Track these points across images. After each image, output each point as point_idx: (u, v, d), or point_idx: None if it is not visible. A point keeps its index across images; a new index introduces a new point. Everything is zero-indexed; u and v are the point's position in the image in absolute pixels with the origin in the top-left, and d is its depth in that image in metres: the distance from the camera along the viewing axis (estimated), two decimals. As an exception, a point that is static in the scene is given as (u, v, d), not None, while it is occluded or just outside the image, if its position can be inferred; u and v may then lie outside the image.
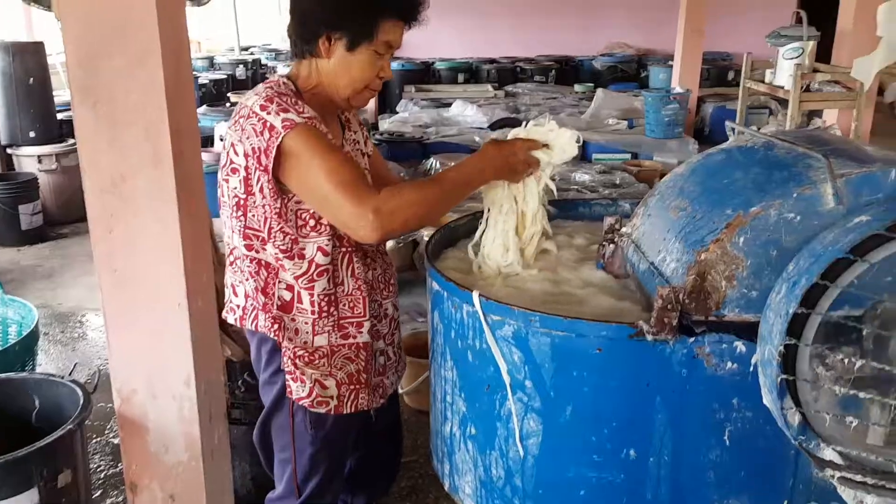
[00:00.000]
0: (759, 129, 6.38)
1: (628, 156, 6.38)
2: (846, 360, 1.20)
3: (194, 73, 8.74)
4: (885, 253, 1.13)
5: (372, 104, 8.26)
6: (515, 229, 1.69)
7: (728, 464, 1.38)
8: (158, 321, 1.92)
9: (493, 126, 6.97)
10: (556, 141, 1.66)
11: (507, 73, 10.01)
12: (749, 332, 1.31)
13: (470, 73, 10.06)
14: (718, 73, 9.42)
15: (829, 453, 1.26)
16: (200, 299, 1.97)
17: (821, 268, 1.13)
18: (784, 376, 1.17)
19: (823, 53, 5.66)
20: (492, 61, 10.43)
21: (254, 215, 1.54)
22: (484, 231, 1.73)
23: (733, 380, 1.34)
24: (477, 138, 6.44)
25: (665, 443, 1.38)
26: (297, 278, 1.55)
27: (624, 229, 1.71)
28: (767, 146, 1.53)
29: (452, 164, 6.07)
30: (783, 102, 7.54)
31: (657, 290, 1.31)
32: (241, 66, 9.76)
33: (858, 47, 4.89)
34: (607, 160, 6.28)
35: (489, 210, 1.73)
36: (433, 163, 5.83)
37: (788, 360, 1.19)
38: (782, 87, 5.10)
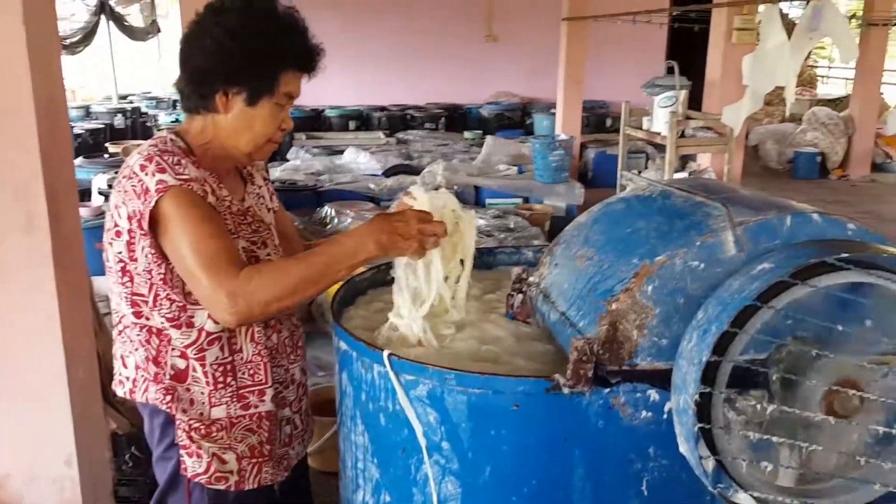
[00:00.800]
0: (639, 173, 6.71)
1: (520, 200, 6.54)
2: (756, 405, 1.22)
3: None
4: (789, 298, 1.17)
5: (261, 152, 8.07)
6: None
7: (648, 514, 1.37)
8: (35, 396, 1.77)
9: (388, 173, 6.98)
10: (464, 227, 1.58)
11: (397, 121, 10.11)
12: (662, 380, 1.32)
13: (361, 120, 10.09)
14: (597, 120, 9.89)
15: (743, 498, 1.27)
16: (81, 370, 1.82)
17: (730, 315, 1.15)
18: (701, 425, 1.18)
19: (695, 101, 6.04)
20: (382, 109, 10.52)
21: (139, 281, 1.43)
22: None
23: (648, 428, 1.34)
24: (372, 185, 6.42)
25: (585, 497, 1.36)
26: (186, 348, 1.45)
27: (531, 278, 1.71)
28: (664, 194, 1.58)
29: (349, 210, 6.00)
30: (659, 147, 7.98)
31: (571, 343, 1.30)
32: (120, 114, 9.38)
33: (726, 95, 5.26)
34: (500, 205, 6.40)
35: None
36: (328, 211, 5.75)
37: (703, 408, 1.20)
38: (659, 133, 5.39)
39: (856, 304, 1.22)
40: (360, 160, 7.38)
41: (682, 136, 5.33)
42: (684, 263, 1.31)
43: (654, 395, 1.33)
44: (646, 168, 7.27)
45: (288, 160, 8.08)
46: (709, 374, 1.18)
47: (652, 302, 1.31)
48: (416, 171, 6.87)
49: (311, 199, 6.13)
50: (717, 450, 1.23)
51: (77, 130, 8.06)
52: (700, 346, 1.18)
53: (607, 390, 1.32)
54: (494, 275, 2.03)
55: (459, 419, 1.36)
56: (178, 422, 1.47)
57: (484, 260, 2.10)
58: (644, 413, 1.34)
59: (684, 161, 6.94)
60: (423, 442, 1.40)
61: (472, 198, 6.54)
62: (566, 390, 1.31)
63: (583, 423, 1.33)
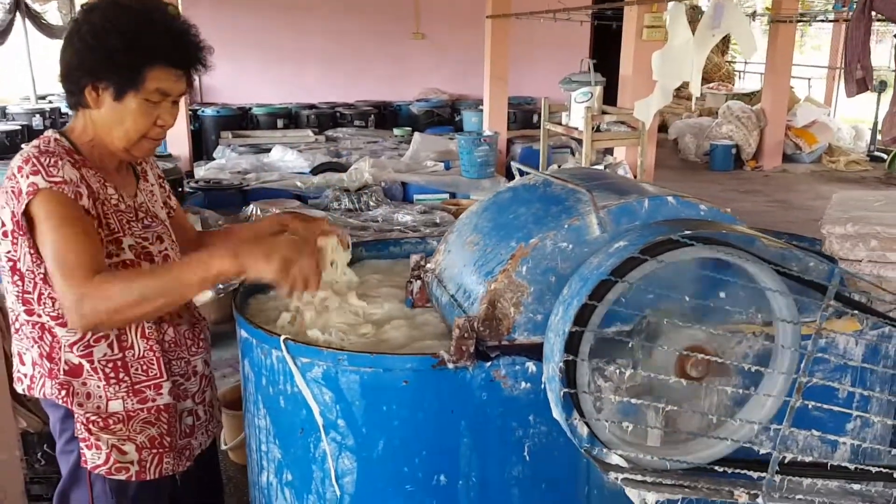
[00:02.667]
0: (559, 166, 6.92)
1: (447, 195, 6.66)
2: (618, 371, 1.34)
3: (-19, 123, 7.99)
4: (641, 273, 1.29)
5: (186, 151, 7.99)
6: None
7: (529, 477, 1.48)
8: (-65, 397, 1.76)
9: (315, 171, 6.99)
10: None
11: (326, 118, 10.10)
12: (538, 352, 1.43)
13: (289, 118, 10.03)
14: (524, 116, 10.08)
15: (613, 458, 1.40)
16: (-16, 369, 1.82)
17: (588, 290, 1.27)
18: (566, 390, 1.29)
19: (611, 96, 6.26)
20: (311, 106, 10.48)
21: (27, 280, 1.47)
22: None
23: (528, 398, 1.45)
24: (299, 183, 6.43)
25: (472, 465, 1.46)
26: (71, 346, 1.49)
27: (429, 265, 1.80)
28: (546, 184, 1.70)
29: (274, 209, 5.98)
30: (580, 142, 8.24)
31: (455, 321, 1.40)
32: (38, 115, 9.08)
33: (638, 91, 5.47)
34: (427, 200, 6.51)
35: None
36: (253, 209, 5.74)
37: (570, 375, 1.31)
38: (576, 129, 5.58)
39: (718, 280, 1.36)
40: (287, 158, 7.37)
41: (598, 130, 5.53)
42: (554, 245, 1.43)
43: (531, 367, 1.44)
44: (566, 162, 7.48)
45: (214, 159, 7.99)
46: (573, 344, 1.30)
47: (527, 281, 1.42)
48: (343, 168, 6.91)
49: (236, 197, 6.10)
50: (584, 414, 1.34)
51: (-8, 132, 7.79)
52: (563, 318, 1.29)
53: (488, 364, 1.42)
54: (400, 265, 2.12)
55: (353, 397, 1.45)
56: (76, 415, 1.51)
57: (391, 251, 2.19)
58: (523, 384, 1.45)
59: (604, 155, 7.18)
60: (320, 421, 1.48)
61: (400, 193, 6.63)
62: (451, 365, 1.41)
63: (467, 395, 1.43)
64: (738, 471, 1.40)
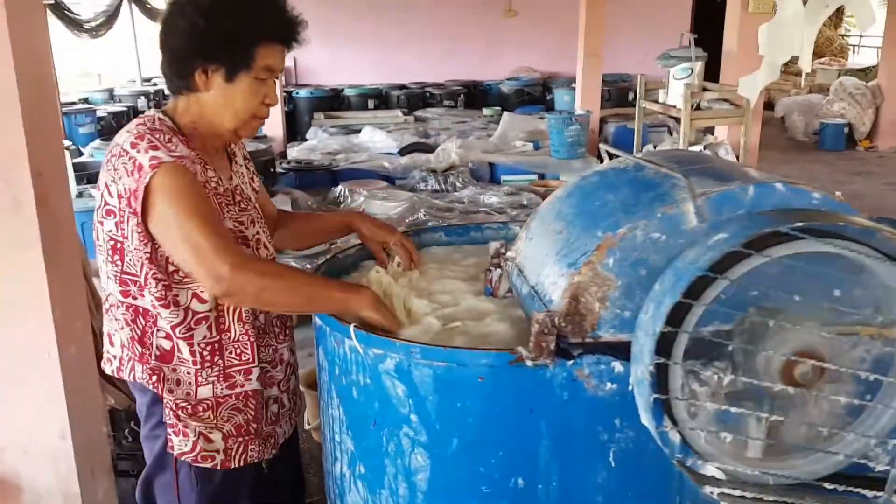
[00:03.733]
0: (655, 146, 6.62)
1: (535, 176, 6.51)
2: (716, 376, 1.22)
3: (92, 105, 8.42)
4: (745, 269, 1.16)
5: (280, 132, 8.15)
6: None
7: (615, 485, 1.37)
8: (27, 372, 1.81)
9: (403, 151, 6.98)
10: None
11: (416, 99, 10.09)
12: (625, 351, 1.32)
13: (379, 99, 10.09)
14: (619, 94, 9.76)
15: (709, 469, 1.28)
16: (74, 347, 1.87)
17: (683, 286, 1.15)
18: (657, 395, 1.18)
19: (713, 73, 5.93)
20: (401, 87, 10.50)
21: (130, 260, 1.46)
22: None
23: (614, 400, 1.35)
24: (386, 164, 6.44)
25: (552, 468, 1.37)
26: (173, 328, 1.48)
27: (509, 253, 1.71)
28: (637, 167, 1.57)
29: (362, 189, 6.03)
30: (678, 120, 7.88)
31: (533, 315, 1.30)
32: (143, 97, 9.49)
33: (743, 66, 5.14)
34: (515, 181, 6.39)
35: None
36: (342, 190, 5.79)
37: (661, 379, 1.20)
38: (674, 106, 5.31)
39: (827, 276, 1.21)
40: (376, 139, 7.40)
41: (698, 108, 5.24)
42: (645, 235, 1.31)
43: (618, 366, 1.33)
44: (663, 142, 7.17)
45: (307, 140, 8.12)
46: (665, 346, 1.18)
47: (613, 274, 1.31)
48: (431, 148, 6.87)
49: (325, 178, 6.17)
50: (676, 422, 1.23)
51: (100, 114, 8.19)
52: (655, 317, 1.18)
53: (570, 362, 1.32)
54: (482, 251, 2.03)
55: (426, 392, 1.38)
56: (165, 400, 1.51)
57: (472, 236, 2.10)
58: (609, 385, 1.34)
59: (704, 134, 6.83)
60: (392, 414, 1.42)
61: (488, 174, 6.53)
62: (529, 363, 1.31)
63: (547, 394, 1.34)
64: (850, 489, 1.26)
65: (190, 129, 1.52)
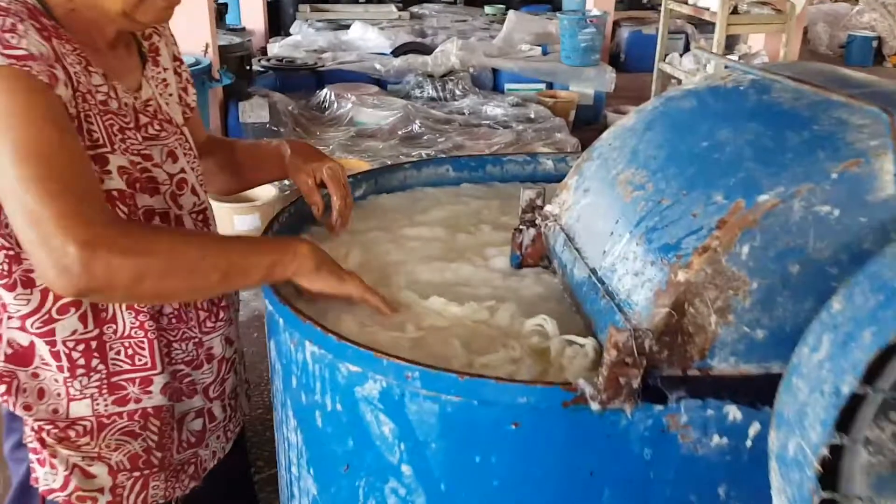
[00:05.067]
0: (680, 55, 5.96)
1: (542, 86, 5.86)
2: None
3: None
4: None
5: (261, 25, 7.37)
6: None
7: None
8: None
9: (397, 52, 6.28)
10: None
11: (412, -7, 9.23)
12: (750, 391, 0.83)
13: (372, -9, 9.21)
14: (634, -6, 8.96)
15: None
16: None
17: (905, 317, 0.63)
18: (828, 495, 0.69)
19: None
20: (396, -21, 9.59)
21: None
22: None
23: (721, 461, 0.86)
24: (378, 66, 5.76)
25: (618, 555, 0.90)
26: (24, 319, 0.96)
27: (549, 208, 1.18)
28: (762, 87, 1.02)
29: (350, 94, 5.38)
30: (703, 27, 7.16)
31: (609, 334, 0.79)
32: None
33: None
34: (520, 91, 5.74)
35: None
36: (327, 94, 5.16)
37: (828, 462, 0.71)
38: (707, 9, 4.65)
39: None
40: (367, 37, 6.66)
41: (735, 12, 4.58)
42: (807, 208, 0.78)
43: (734, 413, 0.84)
44: (685, 52, 6.49)
45: (291, 34, 7.37)
46: (847, 411, 0.68)
47: (747, 270, 0.79)
48: (428, 50, 6.17)
49: (309, 80, 5.50)
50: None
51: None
52: (840, 363, 0.67)
53: (661, 407, 0.83)
54: (501, 194, 1.50)
55: (428, 436, 0.88)
56: (24, 418, 1.01)
57: (488, 171, 1.57)
58: (716, 439, 0.85)
59: (727, 46, 6.16)
60: (374, 461, 0.93)
61: (490, 81, 5.87)
62: (595, 405, 0.82)
63: (619, 452, 0.85)
64: None
65: (64, 9, 0.95)
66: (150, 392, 1.02)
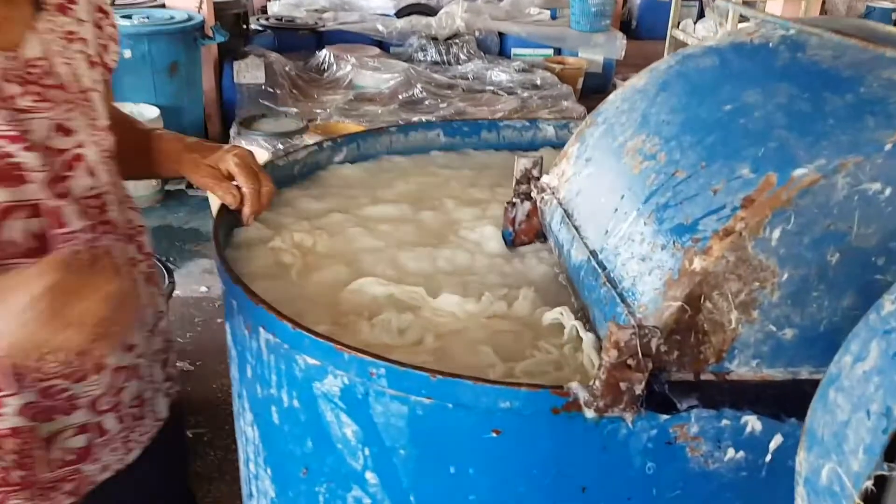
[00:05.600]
0: (694, 22, 5.74)
1: (550, 51, 5.66)
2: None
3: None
4: None
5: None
6: None
7: None
8: None
9: (400, 13, 6.07)
10: None
11: (418, -47, 8.94)
12: (772, 399, 0.70)
13: (377, -49, 8.93)
14: (647, -42, 8.66)
15: None
16: None
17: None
18: (869, 537, 0.57)
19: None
20: (402, -62, 9.30)
21: None
22: None
23: (735, 478, 0.74)
24: (381, 27, 5.55)
25: (611, 581, 0.78)
26: None
27: (545, 178, 1.05)
28: (793, 44, 0.88)
29: (350, 56, 5.20)
30: (718, -6, 6.91)
31: (609, 331, 0.67)
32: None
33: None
34: (527, 56, 5.55)
35: None
36: (327, 55, 4.97)
37: (871, 494, 0.58)
38: (726, -26, 4.43)
39: None
40: (370, -4, 6.44)
41: (754, -23, 4.38)
42: (854, 186, 0.65)
43: (753, 424, 0.71)
44: (699, 19, 6.27)
45: (292, -6, 7.14)
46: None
47: (776, 259, 0.66)
48: (432, 11, 5.95)
49: (309, 40, 5.31)
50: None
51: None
52: (892, 378, 0.54)
53: (666, 417, 0.70)
54: (496, 162, 1.37)
55: (396, 442, 0.76)
56: None
57: (483, 137, 1.43)
58: (730, 453, 0.73)
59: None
60: (335, 465, 0.81)
61: (496, 46, 5.67)
62: (590, 413, 0.69)
63: (616, 466, 0.73)
64: None
65: None
66: (2, 415, 0.84)
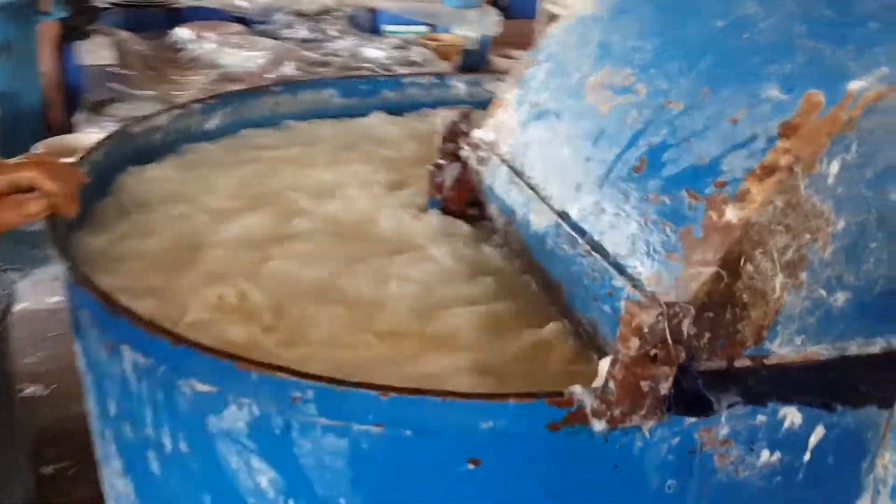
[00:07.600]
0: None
1: (424, 29, 5.48)
2: None
3: None
4: None
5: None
6: None
7: None
8: None
9: (262, -10, 5.70)
10: None
11: (278, -71, 8.52)
12: (819, 385, 0.55)
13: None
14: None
15: None
16: None
17: None
18: None
19: None
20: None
21: None
22: None
23: (769, 486, 0.59)
24: (241, 2, 5.17)
25: None
26: None
27: (478, 133, 0.86)
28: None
29: (211, 35, 4.82)
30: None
31: (626, 313, 0.49)
32: None
33: None
34: (401, 33, 5.34)
35: None
36: (184, 34, 4.55)
37: None
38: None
39: None
40: (228, -27, 6.01)
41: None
42: (927, 100, 0.50)
43: (793, 416, 0.56)
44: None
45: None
46: None
47: (833, 202, 0.50)
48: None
49: (163, 18, 4.84)
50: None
51: None
52: None
53: (691, 420, 0.53)
54: (404, 127, 1.16)
55: (332, 489, 0.55)
56: None
57: (385, 96, 1.22)
58: (765, 456, 0.57)
59: None
60: (247, 525, 0.59)
61: (369, 22, 5.43)
62: (600, 425, 0.51)
63: (632, 489, 0.56)
64: None
65: None
66: None
